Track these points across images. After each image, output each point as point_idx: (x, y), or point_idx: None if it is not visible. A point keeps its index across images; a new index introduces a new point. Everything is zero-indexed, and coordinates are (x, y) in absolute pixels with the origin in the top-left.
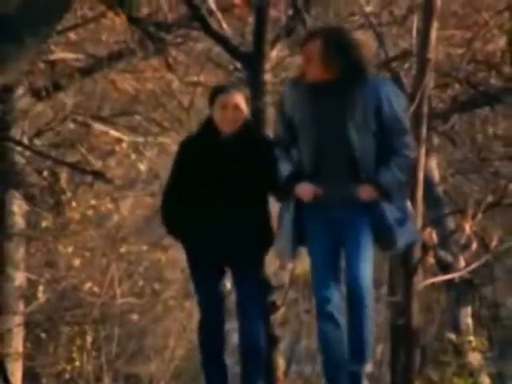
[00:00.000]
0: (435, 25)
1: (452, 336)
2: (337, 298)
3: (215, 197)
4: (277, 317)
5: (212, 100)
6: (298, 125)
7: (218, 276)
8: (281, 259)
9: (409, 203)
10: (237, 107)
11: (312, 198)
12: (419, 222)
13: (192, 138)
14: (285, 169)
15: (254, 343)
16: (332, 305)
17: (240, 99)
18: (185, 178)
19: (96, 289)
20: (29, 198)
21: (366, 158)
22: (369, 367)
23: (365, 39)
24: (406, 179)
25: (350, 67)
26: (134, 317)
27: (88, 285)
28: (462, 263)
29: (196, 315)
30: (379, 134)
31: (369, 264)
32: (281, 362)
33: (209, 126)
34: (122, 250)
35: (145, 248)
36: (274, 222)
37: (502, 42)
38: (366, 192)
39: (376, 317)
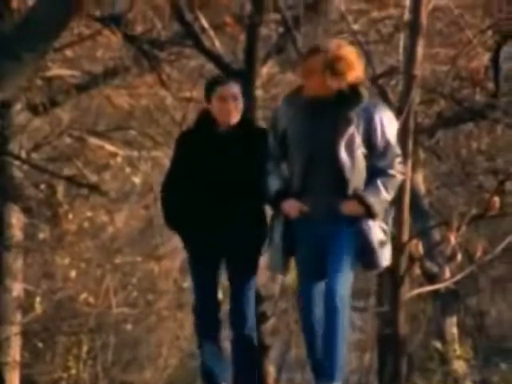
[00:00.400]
0: (421, 43)
1: (438, 344)
2: (320, 311)
3: (213, 188)
4: (267, 326)
5: (209, 93)
6: (291, 138)
7: (214, 265)
8: (273, 272)
9: (389, 225)
10: (236, 98)
11: (298, 215)
12: (406, 234)
13: (189, 131)
14: (274, 184)
15: (244, 325)
16: (315, 316)
17: (237, 90)
18: (183, 170)
19: (91, 299)
20: (26, 211)
21: (355, 176)
22: None
23: None
24: (390, 199)
25: (347, 88)
26: (129, 326)
27: (84, 295)
28: (448, 274)
29: (188, 326)
30: (370, 156)
31: (347, 278)
32: (272, 370)
33: (206, 118)
34: (117, 261)
35: (139, 259)
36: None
37: (485, 59)
38: (350, 206)
39: (364, 326)
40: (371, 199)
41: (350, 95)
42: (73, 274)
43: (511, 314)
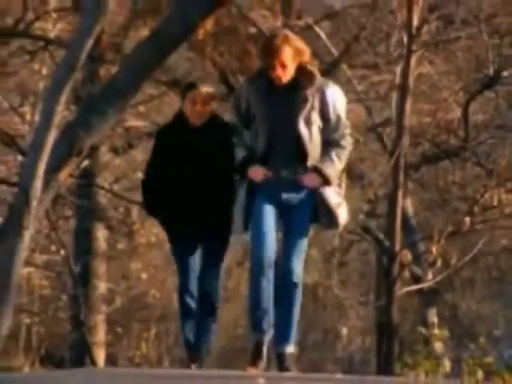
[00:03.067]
0: (409, 100)
1: (422, 330)
2: (271, 261)
3: (188, 180)
4: None
5: (183, 95)
6: (256, 115)
7: (194, 250)
8: (235, 233)
9: (343, 189)
10: (205, 101)
11: (262, 179)
12: (398, 245)
13: (166, 127)
14: (240, 153)
15: (209, 297)
16: (266, 264)
17: (207, 94)
18: (161, 164)
19: (158, 295)
20: (109, 228)
21: (313, 147)
22: (292, 348)
23: (357, 110)
24: (343, 167)
25: (303, 71)
26: None
27: (152, 292)
28: (430, 276)
29: (230, 315)
30: (324, 128)
31: (302, 255)
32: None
33: (180, 117)
34: None
35: None
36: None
37: (458, 113)
38: (311, 180)
39: (365, 316)
40: (328, 170)
41: (305, 76)
42: (144, 276)
43: (478, 307)
